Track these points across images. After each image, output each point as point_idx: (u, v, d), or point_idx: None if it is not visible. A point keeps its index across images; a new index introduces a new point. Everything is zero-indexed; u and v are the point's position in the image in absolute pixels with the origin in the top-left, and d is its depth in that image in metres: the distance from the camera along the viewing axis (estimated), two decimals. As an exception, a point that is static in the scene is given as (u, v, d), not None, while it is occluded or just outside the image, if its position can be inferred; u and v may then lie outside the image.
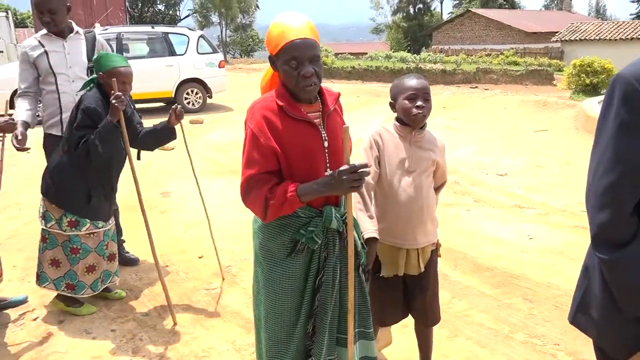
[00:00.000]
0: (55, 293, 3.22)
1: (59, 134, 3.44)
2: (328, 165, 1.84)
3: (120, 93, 2.88)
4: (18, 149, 3.08)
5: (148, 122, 3.90)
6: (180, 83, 11.30)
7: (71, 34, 3.45)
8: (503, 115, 11.45)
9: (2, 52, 13.51)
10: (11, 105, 3.77)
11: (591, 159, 1.30)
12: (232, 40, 37.75)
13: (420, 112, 2.21)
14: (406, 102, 2.22)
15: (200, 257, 4.13)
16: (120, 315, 3.27)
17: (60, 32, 3.42)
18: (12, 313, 3.26)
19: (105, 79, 2.98)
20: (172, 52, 11.28)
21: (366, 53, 25.83)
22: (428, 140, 2.33)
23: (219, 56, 12.06)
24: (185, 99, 11.47)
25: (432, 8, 52.46)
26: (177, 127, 3.53)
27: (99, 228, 3.16)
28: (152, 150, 3.43)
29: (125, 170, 5.28)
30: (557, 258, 4.09)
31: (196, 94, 11.59)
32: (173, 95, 11.29)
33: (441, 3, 53.43)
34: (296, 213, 1.84)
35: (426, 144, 2.31)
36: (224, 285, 3.66)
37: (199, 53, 11.52)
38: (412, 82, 2.24)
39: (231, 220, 4.93)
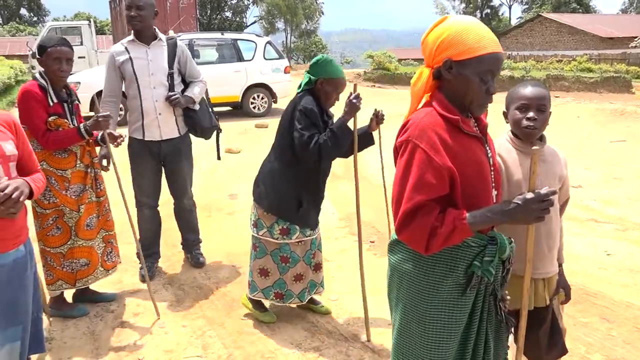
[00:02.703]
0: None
1: (141, 137, 3.66)
2: (493, 185, 1.67)
3: (358, 92, 2.84)
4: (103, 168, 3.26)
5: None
6: (247, 88, 11.59)
7: (154, 41, 3.61)
8: (576, 124, 10.94)
9: (84, 57, 14.39)
10: (91, 107, 4.04)
11: None
12: (296, 46, 38.32)
13: (532, 124, 1.96)
14: (517, 112, 2.00)
15: (266, 259, 4.20)
16: (191, 312, 3.38)
17: (144, 36, 3.58)
18: (92, 304, 3.44)
19: (324, 85, 2.85)
20: (240, 58, 11.60)
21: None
22: (550, 154, 2.08)
23: (285, 62, 12.28)
24: (251, 103, 11.75)
25: (500, 13, 51.06)
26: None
27: (307, 236, 3.07)
28: (347, 157, 3.15)
29: (196, 172, 5.45)
30: (638, 277, 3.86)
31: (262, 98, 11.85)
32: (240, 100, 11.60)
33: (509, 8, 51.88)
34: (466, 242, 1.61)
35: (549, 158, 2.06)
36: (290, 288, 3.70)
37: (265, 59, 11.78)
38: (525, 90, 2.00)
39: (296, 224, 4.99)
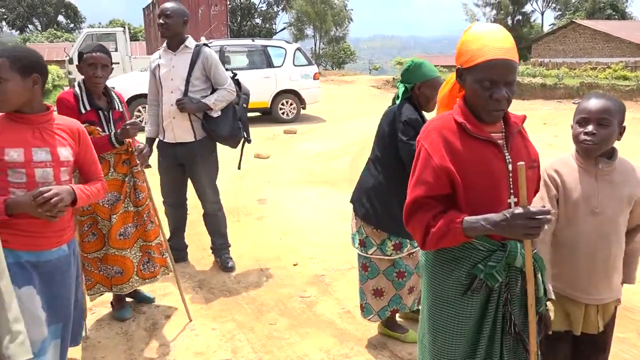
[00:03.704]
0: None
1: (161, 138, 3.86)
2: (512, 192, 1.65)
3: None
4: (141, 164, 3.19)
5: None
6: (276, 94, 11.68)
7: (180, 47, 3.71)
8: (611, 133, 10.66)
9: (118, 63, 14.75)
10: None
11: None
12: (324, 52, 38.48)
13: (589, 139, 1.85)
14: (577, 126, 1.90)
15: (295, 265, 4.22)
16: (221, 315, 3.42)
17: (172, 44, 3.71)
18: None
19: (423, 89, 2.77)
20: (269, 64, 11.70)
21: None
22: (622, 172, 1.93)
23: (314, 68, 12.34)
24: (280, 109, 11.84)
25: (532, 20, 50.26)
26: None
27: (416, 247, 2.95)
28: None
29: (226, 177, 5.51)
30: (677, 292, 3.73)
31: (291, 104, 11.93)
32: (269, 106, 11.70)
33: (542, 14, 51.03)
34: (473, 245, 1.64)
35: (619, 177, 1.91)
36: (318, 294, 3.71)
37: (295, 65, 11.86)
38: (588, 102, 1.89)
39: (324, 230, 5.00)
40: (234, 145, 3.99)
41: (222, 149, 4.03)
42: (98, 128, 2.97)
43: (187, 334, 3.17)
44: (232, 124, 3.83)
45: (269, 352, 3.00)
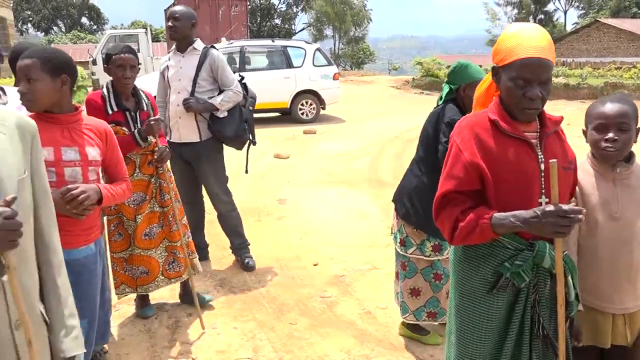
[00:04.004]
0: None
1: (169, 138, 3.81)
2: (543, 191, 1.63)
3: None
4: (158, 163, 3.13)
5: (264, 132, 4.10)
6: (296, 94, 11.71)
7: (188, 49, 3.75)
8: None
9: (140, 64, 14.89)
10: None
11: None
12: (343, 52, 38.45)
13: (611, 146, 1.80)
14: (594, 133, 1.85)
15: (315, 265, 4.22)
16: (242, 314, 3.44)
17: (181, 46, 3.77)
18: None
19: (468, 90, 2.72)
20: (289, 65, 11.74)
21: (480, 65, 25.02)
22: (639, 176, 1.88)
23: (334, 69, 12.34)
24: (300, 109, 11.86)
25: (554, 19, 49.53)
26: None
27: None
28: None
29: (246, 177, 5.56)
30: None
31: (310, 105, 11.94)
32: (288, 106, 11.73)
33: (565, 13, 50.25)
34: (501, 242, 1.64)
35: (636, 181, 1.87)
36: (338, 295, 3.71)
37: (314, 65, 11.87)
38: (603, 107, 1.83)
39: (344, 230, 5.00)
40: (239, 147, 4.00)
41: (242, 151, 4.06)
42: (124, 128, 2.99)
43: (209, 332, 3.20)
44: (237, 125, 3.85)
45: (289, 351, 3.01)
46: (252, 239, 4.45)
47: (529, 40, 1.58)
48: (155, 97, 3.54)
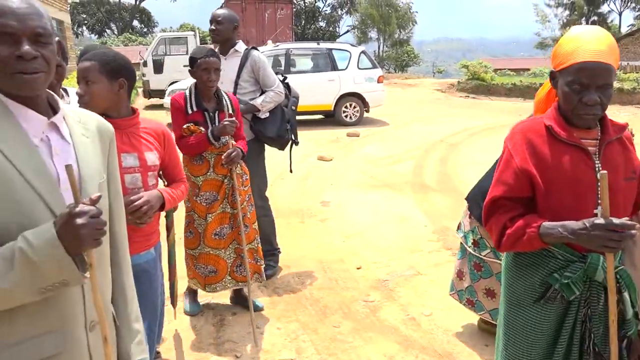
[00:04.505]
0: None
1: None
2: (600, 202, 1.55)
3: None
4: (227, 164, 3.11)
5: (308, 134, 4.10)
6: (340, 97, 11.73)
7: (230, 51, 3.79)
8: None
9: (187, 66, 15.27)
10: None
11: None
12: (387, 55, 38.24)
13: None
14: None
15: (358, 268, 4.21)
16: (285, 315, 3.47)
17: (223, 48, 3.80)
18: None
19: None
20: (334, 67, 11.76)
21: (528, 69, 24.35)
22: None
23: (378, 71, 12.29)
24: (344, 112, 11.87)
25: (608, 20, 47.69)
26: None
27: None
28: None
29: (290, 178, 5.59)
30: None
31: (354, 107, 11.93)
32: (332, 109, 11.76)
33: (620, 15, 48.30)
34: (551, 252, 1.61)
35: None
36: (382, 299, 3.69)
37: (359, 68, 11.86)
38: None
39: (387, 234, 4.96)
40: (282, 147, 4.00)
41: (287, 153, 4.10)
42: (201, 128, 3.05)
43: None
44: (279, 125, 3.85)
45: (332, 354, 3.01)
46: (295, 240, 4.48)
47: (587, 43, 1.54)
48: (238, 99, 3.57)
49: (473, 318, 3.23)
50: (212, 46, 3.78)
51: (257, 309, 3.47)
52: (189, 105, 3.07)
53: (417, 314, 3.43)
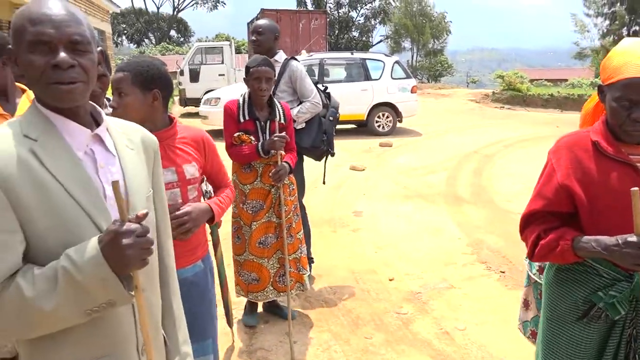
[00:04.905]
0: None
1: None
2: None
3: None
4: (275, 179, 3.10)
5: (340, 144, 4.09)
6: (372, 106, 11.72)
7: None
8: None
9: (224, 75, 15.57)
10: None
11: None
12: (421, 65, 38.05)
13: None
14: None
15: (390, 280, 4.18)
16: (317, 324, 3.47)
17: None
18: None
19: None
20: (367, 77, 11.77)
21: (565, 80, 23.86)
22: None
23: (412, 81, 12.23)
24: (376, 122, 11.85)
25: (651, 30, 46.23)
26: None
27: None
28: None
29: (323, 188, 5.58)
30: None
31: (387, 117, 11.90)
32: (365, 118, 11.75)
33: (663, 24, 46.79)
34: (596, 270, 1.58)
35: None
36: (414, 312, 3.65)
37: (392, 78, 11.83)
38: None
39: (420, 246, 4.92)
40: (317, 158, 3.99)
41: (320, 162, 4.10)
42: (251, 137, 3.06)
43: (286, 340, 3.24)
44: (315, 136, 3.84)
45: (364, 366, 3.00)
46: (327, 250, 4.49)
47: (636, 58, 1.49)
48: (291, 109, 3.59)
49: (509, 335, 3.16)
50: (246, 56, 3.82)
51: (293, 317, 3.46)
52: (241, 113, 3.08)
53: (450, 328, 3.38)
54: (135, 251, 1.02)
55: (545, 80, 26.02)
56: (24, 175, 1.04)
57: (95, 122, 1.20)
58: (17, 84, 2.33)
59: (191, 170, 2.02)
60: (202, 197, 2.20)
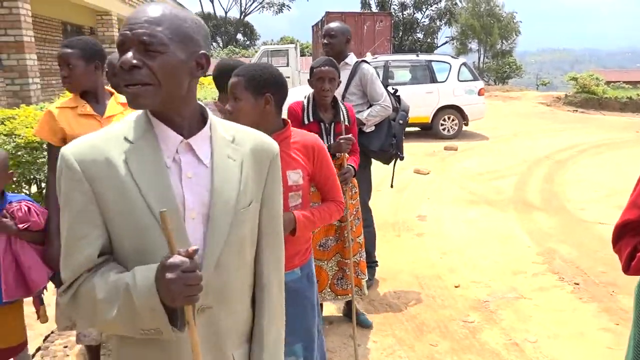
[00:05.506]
0: None
1: None
2: None
3: None
4: None
5: (404, 146, 4.00)
6: (438, 109, 11.51)
7: (340, 64, 3.75)
8: None
9: (289, 77, 15.83)
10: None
11: None
12: (487, 66, 36.98)
13: None
14: None
15: (456, 287, 4.08)
16: (381, 329, 3.44)
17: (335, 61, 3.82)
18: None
19: None
20: (433, 79, 11.58)
21: (645, 81, 22.42)
22: None
23: (480, 84, 11.91)
24: (441, 125, 11.63)
25: None
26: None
27: None
28: None
29: (386, 191, 5.54)
30: None
31: (452, 120, 11.65)
32: (430, 121, 11.57)
33: None
34: None
35: None
36: (482, 321, 3.55)
37: (459, 80, 11.57)
38: None
39: (487, 253, 4.77)
40: (386, 162, 3.95)
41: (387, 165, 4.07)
42: None
43: (349, 343, 3.24)
44: (384, 139, 3.80)
45: (429, 373, 2.95)
46: (391, 254, 4.45)
47: None
48: (360, 112, 3.60)
49: (584, 349, 3.01)
50: (309, 58, 3.85)
51: (366, 324, 3.46)
52: (305, 115, 3.10)
53: (520, 340, 3.26)
54: (178, 287, 0.97)
55: (623, 82, 24.51)
56: (111, 175, 1.07)
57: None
58: (105, 87, 2.49)
59: (294, 176, 1.99)
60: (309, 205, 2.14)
